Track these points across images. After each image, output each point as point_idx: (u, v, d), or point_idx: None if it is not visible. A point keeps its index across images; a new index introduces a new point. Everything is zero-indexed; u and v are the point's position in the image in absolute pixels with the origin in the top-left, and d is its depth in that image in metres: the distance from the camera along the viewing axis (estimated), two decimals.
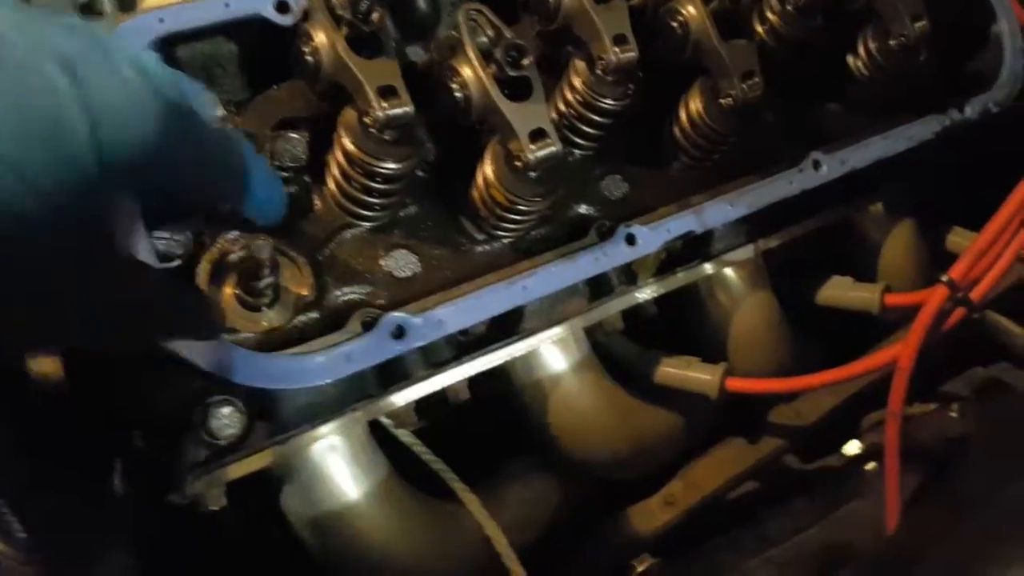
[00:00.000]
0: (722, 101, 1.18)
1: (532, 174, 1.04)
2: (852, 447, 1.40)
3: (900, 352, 1.16)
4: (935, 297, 1.18)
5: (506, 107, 1.01)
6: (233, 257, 0.99)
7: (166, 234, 0.95)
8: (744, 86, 1.16)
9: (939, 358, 1.31)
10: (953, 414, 1.34)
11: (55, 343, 0.86)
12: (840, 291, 1.40)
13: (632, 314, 1.24)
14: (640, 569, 1.20)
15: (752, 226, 1.31)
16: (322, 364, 0.97)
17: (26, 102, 0.61)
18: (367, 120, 0.97)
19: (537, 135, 1.01)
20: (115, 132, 0.65)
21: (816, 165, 1.29)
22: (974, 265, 1.20)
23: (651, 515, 1.30)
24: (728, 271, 1.31)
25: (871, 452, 1.37)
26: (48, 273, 0.66)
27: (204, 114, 0.79)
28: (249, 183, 0.87)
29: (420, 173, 1.12)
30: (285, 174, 1.03)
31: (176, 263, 0.96)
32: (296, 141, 1.04)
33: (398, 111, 0.96)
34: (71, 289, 0.68)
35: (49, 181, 0.62)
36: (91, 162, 0.64)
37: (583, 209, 1.21)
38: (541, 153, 1.01)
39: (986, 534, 1.02)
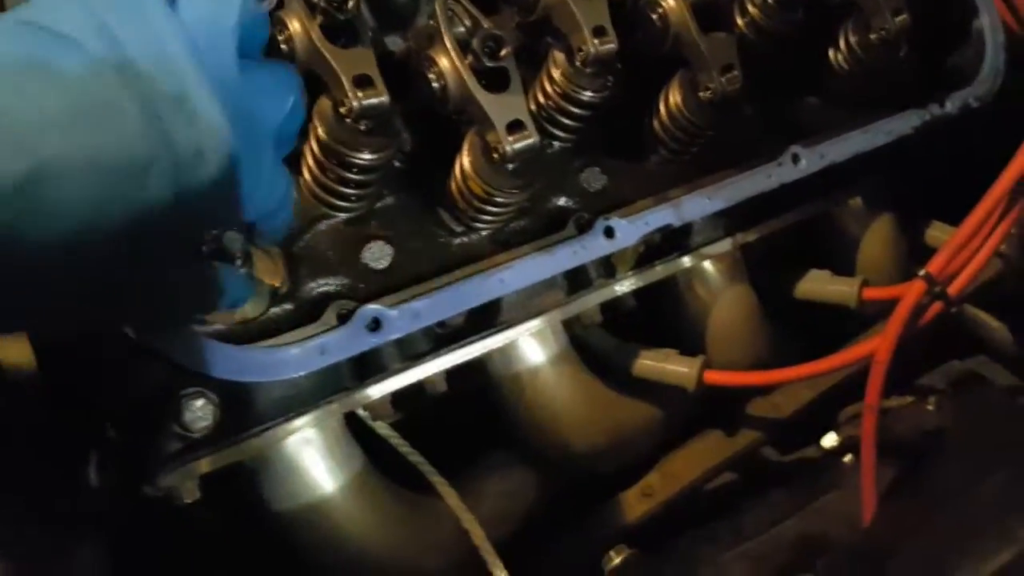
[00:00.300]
0: (701, 94, 1.17)
1: (510, 166, 1.04)
2: (829, 440, 1.41)
3: (878, 346, 1.16)
4: (913, 291, 1.18)
5: (483, 98, 1.00)
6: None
7: None
8: (723, 79, 1.16)
9: (916, 352, 1.31)
10: (930, 407, 1.35)
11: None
12: (818, 285, 1.41)
13: (610, 307, 1.24)
14: (617, 560, 1.20)
15: (730, 219, 1.31)
16: (296, 356, 0.97)
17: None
18: (342, 110, 0.96)
19: (515, 127, 1.01)
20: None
21: (795, 159, 1.29)
22: (952, 259, 1.20)
23: (628, 507, 1.30)
24: (706, 264, 1.31)
25: (848, 445, 1.38)
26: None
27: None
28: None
29: (397, 164, 1.11)
30: None
31: None
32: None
33: (374, 101, 0.95)
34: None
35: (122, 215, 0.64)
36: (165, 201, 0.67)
37: (561, 201, 1.20)
38: (519, 145, 1.01)
39: (962, 527, 1.02)
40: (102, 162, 0.63)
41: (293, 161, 1.04)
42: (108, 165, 0.63)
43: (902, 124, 1.40)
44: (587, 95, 1.12)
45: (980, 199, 1.26)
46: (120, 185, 0.64)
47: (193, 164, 0.67)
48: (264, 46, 0.81)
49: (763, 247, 1.36)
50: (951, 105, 1.45)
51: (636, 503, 1.31)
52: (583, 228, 1.15)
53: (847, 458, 1.34)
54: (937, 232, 1.58)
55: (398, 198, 1.11)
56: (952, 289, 1.21)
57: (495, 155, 1.02)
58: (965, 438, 1.24)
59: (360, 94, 0.94)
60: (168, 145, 0.66)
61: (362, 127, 0.98)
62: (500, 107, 1.00)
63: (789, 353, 1.33)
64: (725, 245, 1.31)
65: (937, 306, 1.22)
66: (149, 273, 0.72)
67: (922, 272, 1.20)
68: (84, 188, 0.62)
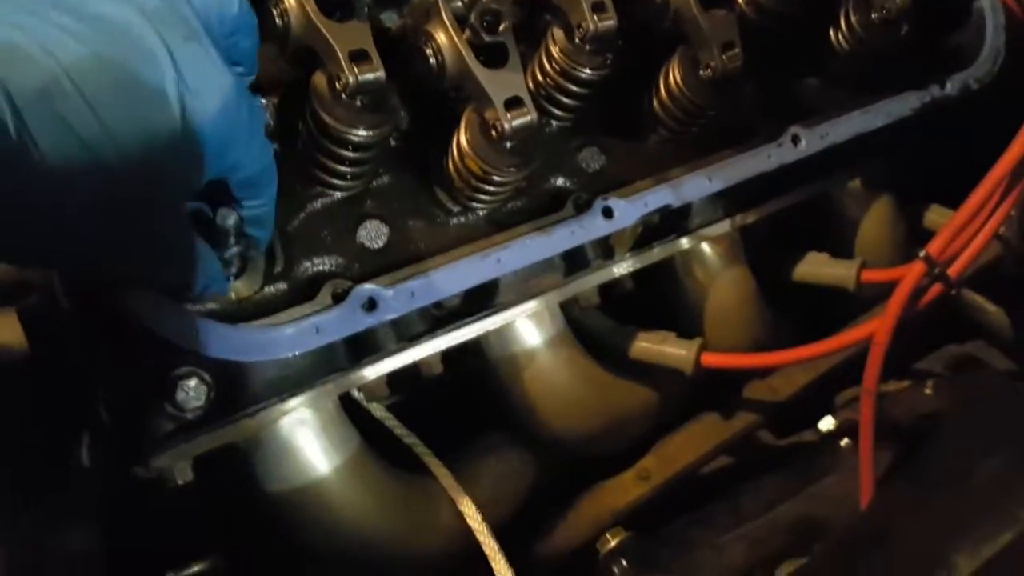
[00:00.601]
0: (702, 72, 1.16)
1: (508, 144, 1.02)
2: (826, 423, 1.40)
3: (877, 328, 1.15)
4: (912, 272, 1.17)
5: (481, 74, 0.98)
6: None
7: None
8: (724, 57, 1.15)
9: (914, 336, 1.30)
10: (927, 392, 1.34)
11: (69, 268, 0.88)
12: (816, 267, 1.40)
13: (608, 289, 1.23)
14: (612, 542, 1.19)
15: (730, 201, 1.30)
16: (291, 336, 0.95)
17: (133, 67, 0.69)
18: (338, 85, 0.95)
19: (513, 103, 0.99)
20: (200, 120, 0.73)
21: (795, 140, 1.27)
22: (952, 241, 1.19)
23: (624, 489, 1.29)
24: (705, 246, 1.30)
25: (845, 428, 1.37)
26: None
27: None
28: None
29: (393, 142, 1.09)
30: None
31: None
32: (265, 106, 1.01)
33: (370, 76, 0.93)
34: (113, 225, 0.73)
35: (133, 141, 0.68)
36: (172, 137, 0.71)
37: (559, 181, 1.19)
38: (517, 122, 0.99)
39: (959, 511, 1.02)
40: (114, 80, 0.67)
41: (288, 138, 1.02)
42: (120, 84, 0.68)
43: (902, 105, 1.39)
44: (586, 73, 1.11)
45: (980, 181, 1.25)
46: (131, 107, 0.68)
47: (196, 97, 0.72)
48: None
49: (762, 229, 1.35)
50: (951, 86, 1.44)
51: (632, 486, 1.31)
52: (581, 208, 1.14)
53: (844, 442, 1.34)
54: (936, 215, 1.57)
55: (394, 177, 1.10)
56: (952, 271, 1.21)
57: (493, 132, 1.01)
58: (963, 421, 1.23)
59: (356, 69, 0.93)
60: (176, 74, 0.71)
61: (358, 103, 0.96)
62: (498, 83, 0.99)
63: (785, 338, 1.32)
64: (724, 226, 1.30)
65: (937, 288, 1.21)
66: (146, 212, 0.74)
67: (922, 253, 1.19)
68: (97, 104, 0.66)
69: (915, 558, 0.98)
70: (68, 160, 0.66)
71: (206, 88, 0.73)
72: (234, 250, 0.92)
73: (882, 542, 1.02)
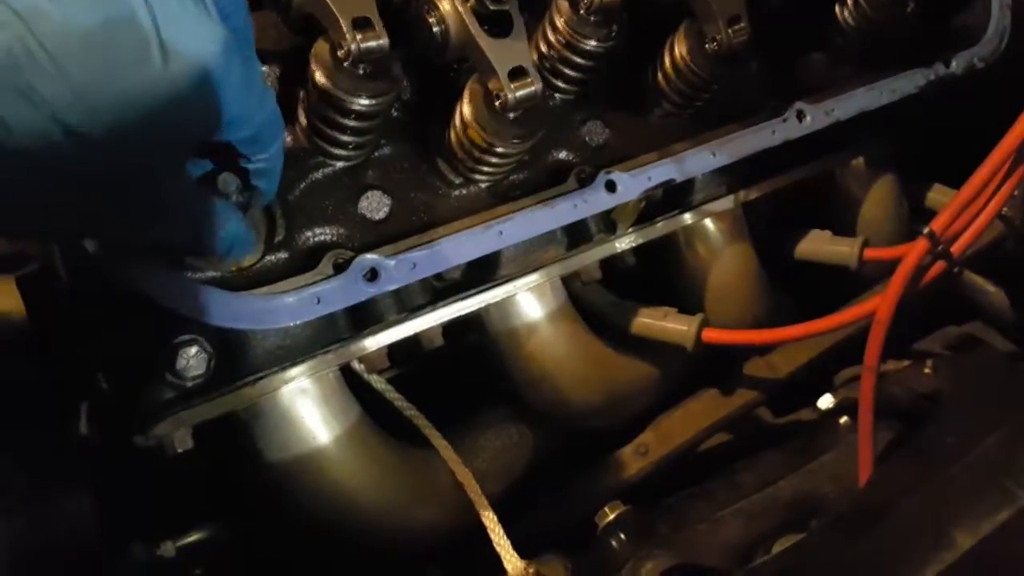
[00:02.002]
0: (707, 46, 1.15)
1: (511, 115, 1.01)
2: (825, 401, 1.40)
3: (879, 305, 1.15)
4: (916, 249, 1.17)
5: (485, 43, 0.97)
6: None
7: None
8: (730, 31, 1.13)
9: (913, 315, 1.30)
10: (927, 370, 1.34)
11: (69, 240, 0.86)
12: (818, 245, 1.40)
13: (610, 264, 1.22)
14: (611, 516, 1.19)
15: (733, 177, 1.29)
16: (292, 305, 0.95)
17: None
18: (340, 53, 0.93)
19: (517, 73, 0.98)
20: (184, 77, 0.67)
21: (800, 115, 1.27)
22: (956, 218, 1.19)
23: (623, 464, 1.30)
24: (707, 222, 1.29)
25: (844, 406, 1.37)
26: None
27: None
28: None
29: (395, 113, 1.08)
30: None
31: None
32: (266, 75, 1.00)
33: (372, 44, 0.92)
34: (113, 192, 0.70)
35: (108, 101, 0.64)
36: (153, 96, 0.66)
37: (563, 155, 1.18)
38: (521, 92, 0.98)
39: (958, 488, 1.02)
40: (85, 40, 0.62)
41: (290, 106, 1.01)
42: (93, 44, 0.63)
43: (907, 83, 1.38)
44: (591, 44, 1.10)
45: (984, 160, 1.25)
46: (105, 69, 0.64)
47: (178, 52, 0.67)
48: None
49: (765, 206, 1.35)
50: (956, 65, 1.43)
51: (631, 461, 1.31)
52: (584, 182, 1.13)
53: (843, 420, 1.34)
54: (938, 195, 1.57)
55: (396, 148, 1.09)
56: (955, 248, 1.20)
57: (496, 103, 1.00)
58: (962, 400, 1.23)
59: (359, 36, 0.92)
60: (154, 27, 0.66)
61: (360, 71, 0.95)
62: (502, 52, 0.98)
63: (787, 315, 1.32)
64: (727, 202, 1.29)
65: (939, 266, 1.21)
66: (135, 170, 0.70)
67: (926, 230, 1.18)
68: (67, 70, 0.62)
69: (914, 534, 0.98)
70: (40, 134, 0.62)
71: (189, 41, 0.67)
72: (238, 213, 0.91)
73: (881, 518, 1.02)
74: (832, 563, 0.99)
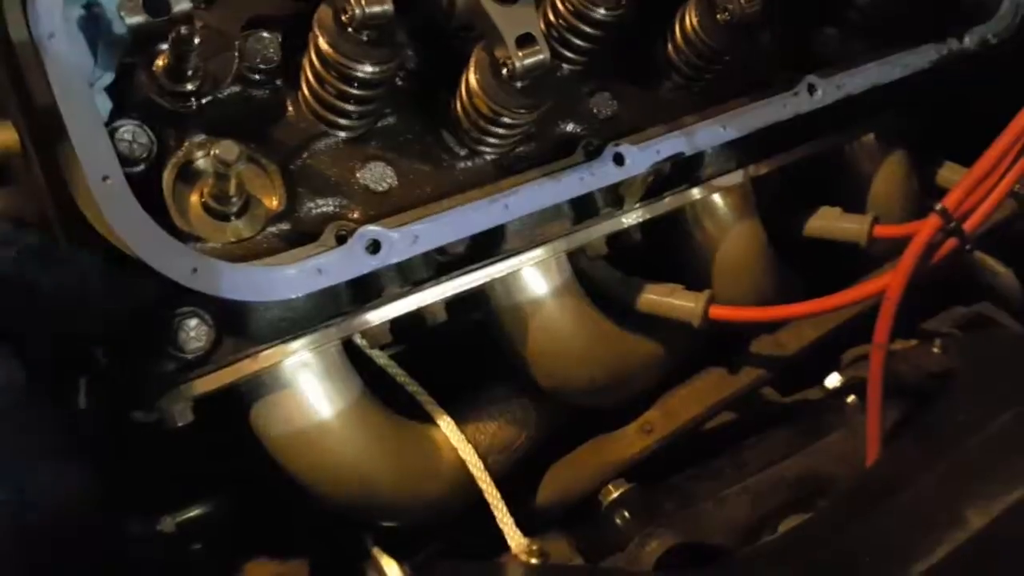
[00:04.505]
0: (719, 16, 1.13)
1: (518, 83, 0.99)
2: (832, 380, 1.38)
3: (889, 281, 1.13)
4: (928, 226, 1.15)
5: (492, 9, 0.95)
6: (200, 162, 0.94)
7: (128, 136, 0.90)
8: (742, 1, 1.11)
9: (922, 295, 1.29)
10: (936, 349, 1.32)
11: None
12: (828, 221, 1.38)
13: (616, 239, 1.21)
14: (615, 493, 1.19)
15: (743, 151, 1.27)
16: (293, 277, 0.93)
17: None
18: (344, 18, 0.92)
19: (525, 40, 0.96)
20: None
21: (811, 89, 1.24)
22: (968, 195, 1.17)
23: (628, 442, 1.28)
24: (716, 197, 1.27)
25: (852, 385, 1.36)
26: None
27: None
28: None
29: (399, 82, 1.06)
30: (256, 77, 0.98)
31: (140, 167, 0.91)
32: (268, 41, 0.98)
33: (376, 9, 0.90)
34: None
35: None
36: None
37: (570, 127, 1.16)
38: (529, 60, 0.96)
39: (969, 467, 1.01)
40: None
41: (291, 74, 0.99)
42: None
43: (920, 58, 1.36)
44: (600, 13, 1.08)
45: (997, 137, 1.23)
46: None
47: None
48: None
49: (775, 182, 1.33)
50: (969, 40, 1.41)
51: (636, 439, 1.29)
52: (592, 155, 1.11)
53: (850, 399, 1.32)
54: (949, 172, 1.54)
55: (400, 118, 1.07)
56: (967, 226, 1.18)
57: (503, 71, 0.98)
58: (972, 379, 1.21)
59: (363, 1, 0.89)
60: None
61: (364, 37, 0.93)
62: (510, 19, 0.96)
63: (795, 292, 1.30)
64: (736, 177, 1.27)
65: (951, 243, 1.19)
66: None
67: (938, 206, 1.16)
68: None
69: (926, 513, 0.97)
70: None
71: None
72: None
73: (892, 497, 1.01)
74: (840, 542, 0.98)
